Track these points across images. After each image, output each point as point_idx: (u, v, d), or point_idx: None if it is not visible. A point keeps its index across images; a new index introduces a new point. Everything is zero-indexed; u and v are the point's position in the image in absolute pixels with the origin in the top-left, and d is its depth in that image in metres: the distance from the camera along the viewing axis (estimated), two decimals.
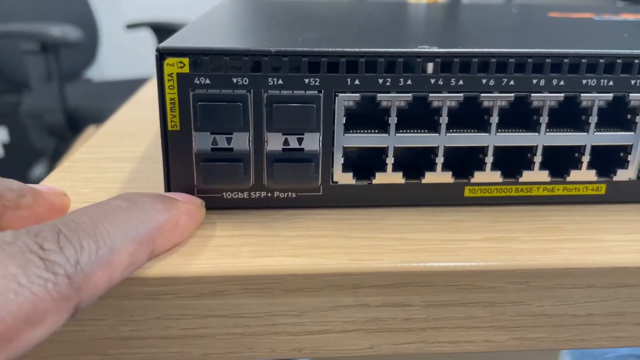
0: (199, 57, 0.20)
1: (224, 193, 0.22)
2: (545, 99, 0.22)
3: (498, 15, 0.46)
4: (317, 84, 0.21)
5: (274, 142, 0.21)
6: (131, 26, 1.67)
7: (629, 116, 0.23)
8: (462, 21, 0.36)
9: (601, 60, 0.22)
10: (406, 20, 0.34)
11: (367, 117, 0.22)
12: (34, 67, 1.38)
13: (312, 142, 0.21)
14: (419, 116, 0.22)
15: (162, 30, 1.55)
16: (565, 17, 0.40)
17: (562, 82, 0.22)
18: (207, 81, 0.20)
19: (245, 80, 0.20)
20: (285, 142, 0.21)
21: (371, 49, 0.21)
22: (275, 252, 0.19)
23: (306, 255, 0.19)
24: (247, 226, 0.21)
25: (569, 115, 0.23)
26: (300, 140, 0.21)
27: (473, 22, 0.35)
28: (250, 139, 0.21)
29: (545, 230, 0.22)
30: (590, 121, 0.22)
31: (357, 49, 0.21)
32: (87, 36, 1.51)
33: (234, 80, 0.20)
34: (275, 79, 0.21)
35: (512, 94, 0.22)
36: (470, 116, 0.22)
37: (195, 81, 0.20)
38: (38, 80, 1.39)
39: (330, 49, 0.21)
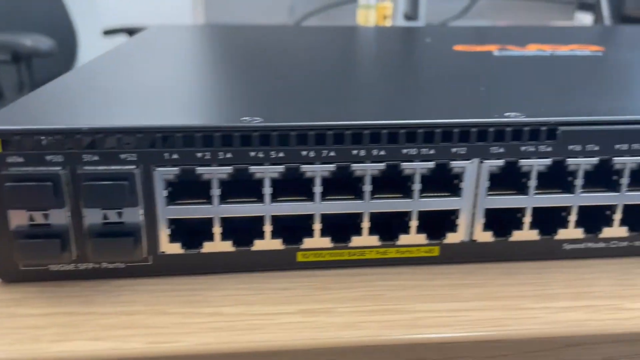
0: (10, 137, 0.20)
1: (50, 265, 0.22)
2: (367, 169, 0.22)
3: (394, 50, 0.46)
4: (134, 159, 0.21)
5: (93, 217, 0.21)
6: (108, 32, 1.67)
7: (455, 181, 0.23)
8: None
9: (420, 130, 0.22)
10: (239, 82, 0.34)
11: (196, 186, 0.22)
12: (6, 77, 1.38)
13: (133, 215, 0.22)
14: (244, 186, 0.22)
15: None
16: (467, 52, 0.40)
17: (382, 152, 0.22)
18: (21, 159, 0.21)
19: (60, 158, 0.21)
20: (105, 217, 0.21)
21: (186, 124, 0.21)
22: (79, 334, 0.19)
23: (108, 339, 0.19)
24: (65, 302, 0.21)
25: (395, 182, 0.23)
26: (120, 214, 0.22)
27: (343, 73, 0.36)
28: (69, 215, 0.21)
29: (366, 298, 0.22)
30: (414, 188, 0.23)
31: (173, 124, 0.21)
32: (66, 43, 1.51)
33: (48, 158, 0.21)
34: (90, 156, 0.21)
35: (334, 164, 0.22)
36: (295, 185, 0.22)
37: (8, 160, 0.21)
38: (11, 90, 1.39)
39: (145, 124, 0.21)
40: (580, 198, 0.23)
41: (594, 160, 0.23)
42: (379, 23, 0.84)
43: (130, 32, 1.63)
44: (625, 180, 0.23)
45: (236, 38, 0.51)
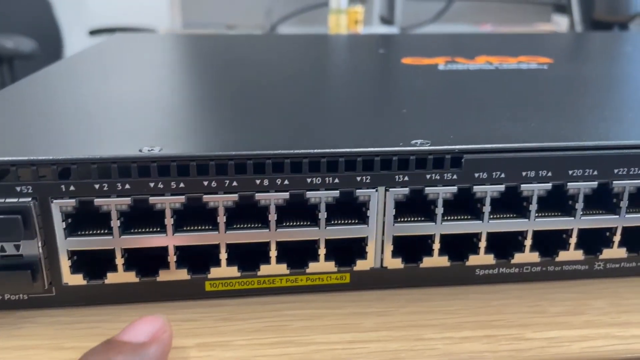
0: None
1: None
2: (271, 198, 0.22)
3: (339, 64, 0.46)
4: (29, 191, 0.21)
5: None
6: (94, 32, 1.66)
7: (362, 209, 0.23)
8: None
9: (323, 159, 0.22)
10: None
11: (99, 216, 0.22)
12: None
13: (31, 248, 0.21)
14: (145, 216, 0.22)
15: None
16: (414, 65, 0.40)
17: (286, 182, 0.22)
18: None
19: None
20: (2, 249, 0.21)
21: (82, 156, 0.21)
22: None
23: None
24: None
25: (301, 211, 0.23)
26: (17, 247, 0.21)
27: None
28: None
29: (269, 329, 0.22)
30: (320, 217, 0.22)
31: (68, 157, 0.21)
32: (50, 43, 1.50)
33: None
34: None
35: (237, 194, 0.22)
36: (199, 215, 0.22)
37: None
38: None
39: (40, 158, 0.21)
40: (489, 225, 0.23)
41: (501, 187, 0.23)
42: (351, 28, 0.84)
43: (116, 32, 1.63)
44: (534, 207, 0.23)
45: (189, 49, 0.51)
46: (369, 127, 0.26)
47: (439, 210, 0.23)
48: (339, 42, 0.58)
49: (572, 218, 0.24)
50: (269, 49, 0.50)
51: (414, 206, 0.23)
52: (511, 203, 0.23)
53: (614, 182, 0.23)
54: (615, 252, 0.25)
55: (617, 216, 0.24)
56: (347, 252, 0.24)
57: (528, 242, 0.24)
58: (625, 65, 0.43)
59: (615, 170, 0.23)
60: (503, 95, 0.33)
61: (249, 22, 1.12)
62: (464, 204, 0.24)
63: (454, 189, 0.22)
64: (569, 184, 0.23)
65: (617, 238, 0.24)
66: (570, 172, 0.23)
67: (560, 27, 1.10)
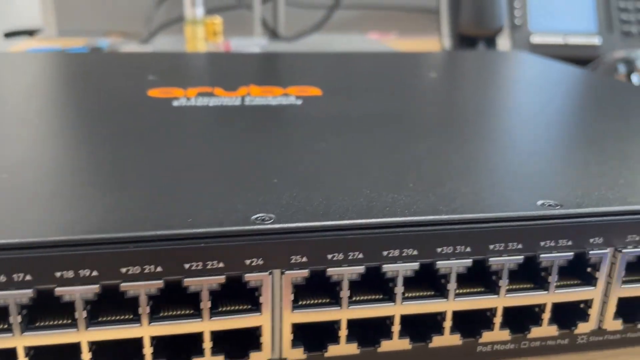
0: None
1: None
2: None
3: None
4: None
5: None
6: (9, 35, 1.58)
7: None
8: None
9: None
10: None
11: None
12: None
13: None
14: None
15: None
16: (155, 99, 0.35)
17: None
18: None
19: None
20: None
21: None
22: None
23: None
24: None
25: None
26: None
27: None
28: None
29: None
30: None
31: None
32: None
33: None
34: None
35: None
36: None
37: None
38: None
39: None
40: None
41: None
42: (210, 39, 0.78)
43: (31, 33, 1.54)
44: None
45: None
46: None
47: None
48: (99, 63, 0.49)
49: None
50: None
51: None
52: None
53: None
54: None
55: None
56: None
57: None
58: (408, 102, 0.37)
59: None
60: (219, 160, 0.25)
61: (128, 29, 1.06)
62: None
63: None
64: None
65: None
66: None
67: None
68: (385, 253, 0.19)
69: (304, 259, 0.18)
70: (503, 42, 0.75)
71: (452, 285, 0.20)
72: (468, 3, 0.73)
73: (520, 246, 0.19)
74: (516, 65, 0.51)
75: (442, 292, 0.20)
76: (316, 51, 0.70)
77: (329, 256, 0.18)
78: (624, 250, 0.20)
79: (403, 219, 0.19)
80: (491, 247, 0.19)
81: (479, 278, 0.20)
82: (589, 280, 0.21)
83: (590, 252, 0.20)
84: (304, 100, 0.35)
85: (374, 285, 0.20)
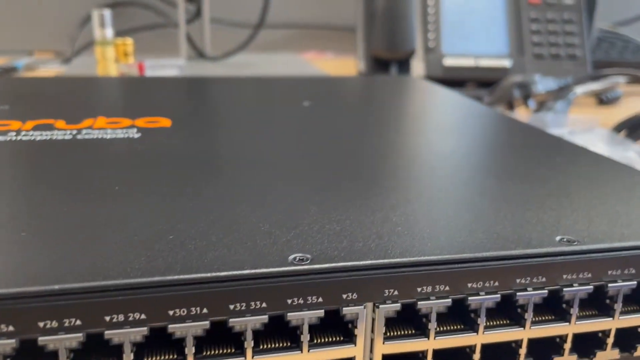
0: None
1: None
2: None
3: None
4: None
5: None
6: None
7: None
8: None
9: None
10: None
11: None
12: None
13: None
14: None
15: None
16: None
17: None
18: None
19: None
20: None
21: None
22: None
23: None
24: None
25: None
26: None
27: None
28: None
29: None
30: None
31: None
32: None
33: None
34: None
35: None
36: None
37: None
38: None
39: None
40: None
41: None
42: (121, 60, 0.77)
43: None
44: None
45: None
46: None
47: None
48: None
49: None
50: None
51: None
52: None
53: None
54: None
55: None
56: None
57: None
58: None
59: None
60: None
61: (52, 48, 1.03)
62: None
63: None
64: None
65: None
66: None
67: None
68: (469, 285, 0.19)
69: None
70: (417, 65, 0.75)
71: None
72: (379, 27, 0.72)
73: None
74: (400, 92, 0.51)
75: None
76: (217, 75, 0.68)
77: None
78: None
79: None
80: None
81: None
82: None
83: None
84: (144, 133, 0.33)
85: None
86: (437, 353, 0.20)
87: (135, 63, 0.79)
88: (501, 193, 0.25)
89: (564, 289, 0.20)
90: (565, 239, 0.20)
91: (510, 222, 0.22)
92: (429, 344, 0.19)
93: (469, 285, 0.19)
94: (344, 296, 0.18)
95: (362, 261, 0.18)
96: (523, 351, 0.20)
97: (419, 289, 0.19)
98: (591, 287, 0.20)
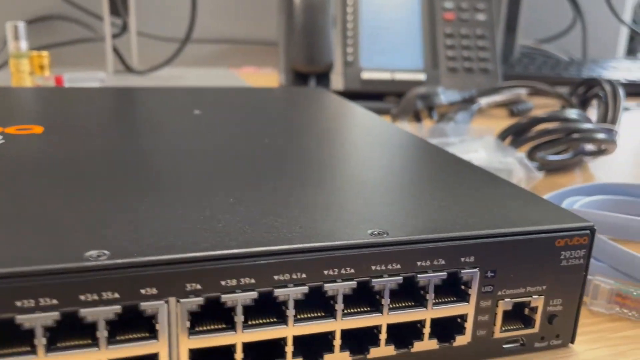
0: None
1: None
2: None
3: None
4: None
5: None
6: None
7: None
8: None
9: None
10: None
11: None
12: None
13: None
14: None
15: None
16: None
17: None
18: None
19: None
20: None
21: None
22: None
23: None
24: None
25: None
26: None
27: None
28: None
29: None
30: None
31: None
32: None
33: None
34: None
35: None
36: None
37: None
38: None
39: None
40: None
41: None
42: (37, 73, 0.75)
43: None
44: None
45: None
46: None
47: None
48: None
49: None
50: None
51: None
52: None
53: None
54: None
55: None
56: None
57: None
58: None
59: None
60: None
61: None
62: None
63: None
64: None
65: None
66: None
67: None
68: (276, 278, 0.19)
69: None
70: (336, 78, 0.76)
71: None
72: (298, 41, 0.74)
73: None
74: (297, 102, 0.51)
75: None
76: (130, 86, 0.68)
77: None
78: None
79: None
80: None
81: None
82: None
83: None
84: (8, 139, 0.33)
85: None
86: (246, 346, 0.20)
87: (52, 76, 0.78)
88: (332, 186, 0.26)
89: (373, 280, 0.21)
90: (376, 232, 0.21)
91: (329, 216, 0.22)
92: (237, 338, 0.20)
93: (276, 277, 0.20)
94: (142, 291, 0.18)
95: (162, 256, 0.18)
96: (337, 342, 0.21)
97: (223, 283, 0.19)
98: (400, 278, 0.21)
